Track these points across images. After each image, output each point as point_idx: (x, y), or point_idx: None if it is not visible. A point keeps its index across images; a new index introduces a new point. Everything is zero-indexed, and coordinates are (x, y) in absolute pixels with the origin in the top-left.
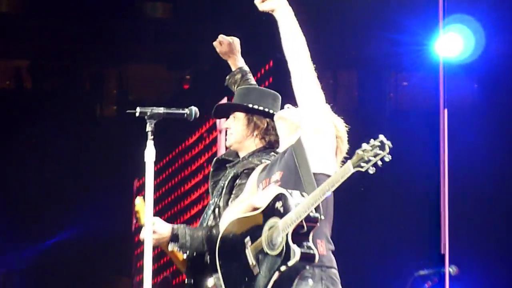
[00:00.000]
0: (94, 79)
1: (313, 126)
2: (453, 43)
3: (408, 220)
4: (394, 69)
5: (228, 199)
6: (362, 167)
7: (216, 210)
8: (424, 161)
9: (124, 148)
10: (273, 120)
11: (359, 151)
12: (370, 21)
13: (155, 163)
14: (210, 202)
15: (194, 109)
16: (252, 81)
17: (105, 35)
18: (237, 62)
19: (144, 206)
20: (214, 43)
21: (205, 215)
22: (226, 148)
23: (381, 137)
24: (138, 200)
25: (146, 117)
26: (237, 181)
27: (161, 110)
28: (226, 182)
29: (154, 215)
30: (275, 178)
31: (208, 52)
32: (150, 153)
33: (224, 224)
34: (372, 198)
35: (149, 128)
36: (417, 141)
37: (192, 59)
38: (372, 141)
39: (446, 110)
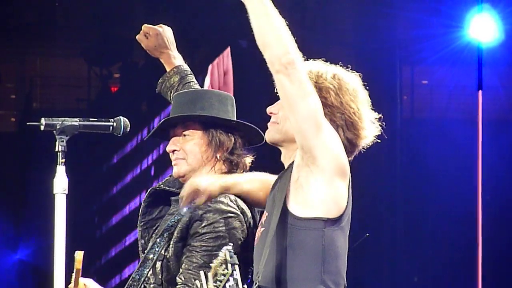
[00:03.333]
0: None
1: (305, 152)
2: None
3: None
4: (409, 61)
5: (181, 252)
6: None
7: (159, 264)
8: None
9: (26, 177)
10: (241, 135)
11: (214, 263)
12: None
13: (71, 195)
14: (146, 252)
15: (123, 120)
16: (195, 84)
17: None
18: (172, 59)
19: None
20: (138, 37)
21: (140, 271)
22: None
23: (224, 250)
24: (79, 255)
25: (55, 131)
26: (197, 227)
27: (76, 121)
28: (178, 227)
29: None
30: (263, 219)
31: None
32: (60, 183)
33: None
34: None
35: (59, 147)
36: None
37: (123, 51)
38: (221, 253)
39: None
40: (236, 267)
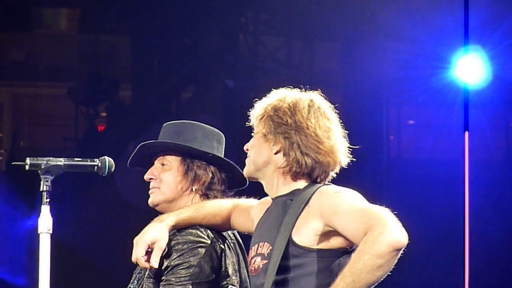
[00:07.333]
0: None
1: (336, 231)
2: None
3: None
4: (396, 101)
5: (154, 287)
6: None
7: None
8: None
9: (14, 223)
10: (220, 170)
11: None
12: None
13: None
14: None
15: (108, 159)
16: None
17: None
18: None
19: None
20: None
21: None
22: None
23: None
24: None
25: (39, 171)
26: (169, 261)
27: (61, 161)
28: None
29: None
30: (263, 249)
31: (133, 77)
32: (45, 223)
33: None
34: None
35: (43, 186)
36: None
37: (109, 90)
38: None
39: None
40: None
